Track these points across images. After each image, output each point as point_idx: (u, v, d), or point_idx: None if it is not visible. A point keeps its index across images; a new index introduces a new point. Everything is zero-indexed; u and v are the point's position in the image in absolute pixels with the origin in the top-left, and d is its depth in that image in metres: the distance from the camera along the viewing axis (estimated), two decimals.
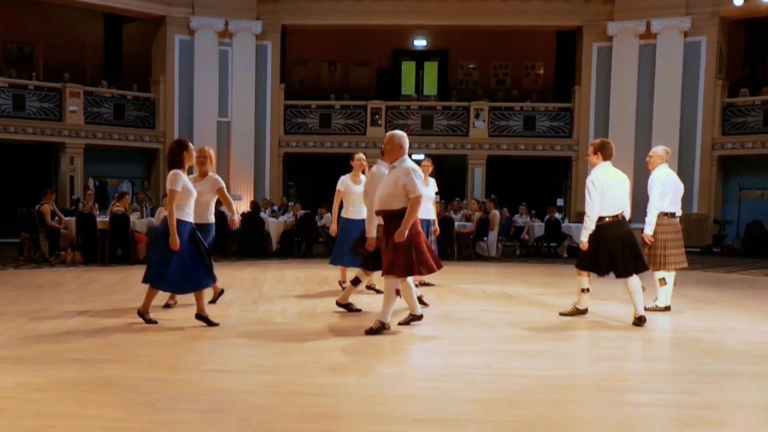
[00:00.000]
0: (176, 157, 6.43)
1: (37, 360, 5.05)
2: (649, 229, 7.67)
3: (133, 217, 13.08)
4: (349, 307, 7.40)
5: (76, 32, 20.60)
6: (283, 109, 20.44)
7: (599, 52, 19.54)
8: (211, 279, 6.60)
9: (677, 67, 18.54)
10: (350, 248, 7.68)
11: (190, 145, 6.61)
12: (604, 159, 6.96)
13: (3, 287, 9.10)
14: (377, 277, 7.26)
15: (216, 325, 6.39)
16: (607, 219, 6.86)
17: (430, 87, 23.19)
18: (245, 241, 14.33)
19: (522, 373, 4.94)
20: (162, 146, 19.43)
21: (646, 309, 7.83)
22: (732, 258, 16.53)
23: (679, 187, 7.93)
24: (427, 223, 9.31)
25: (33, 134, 17.95)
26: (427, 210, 9.38)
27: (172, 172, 6.36)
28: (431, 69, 23.45)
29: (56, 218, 12.81)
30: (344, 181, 8.58)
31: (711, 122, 18.62)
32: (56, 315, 6.92)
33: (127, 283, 9.66)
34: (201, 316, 6.47)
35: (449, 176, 19.08)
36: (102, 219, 12.75)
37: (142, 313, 6.47)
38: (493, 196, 17.17)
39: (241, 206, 17.70)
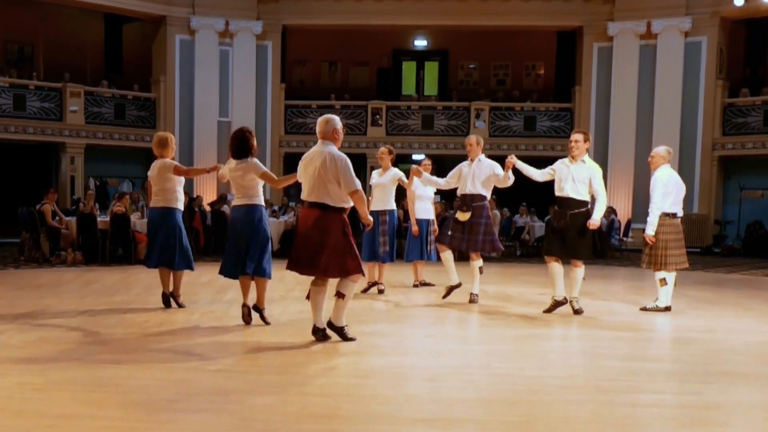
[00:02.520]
0: (249, 144, 6.45)
1: (38, 360, 5.04)
2: (650, 229, 7.67)
3: (134, 217, 13.08)
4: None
5: (77, 32, 20.59)
6: (283, 109, 20.45)
7: (600, 53, 19.54)
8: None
9: (678, 68, 18.54)
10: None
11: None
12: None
13: (3, 287, 9.10)
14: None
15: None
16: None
17: (431, 87, 23.20)
18: None
19: (522, 373, 4.93)
20: None
21: (646, 309, 7.87)
22: (732, 258, 16.53)
23: (681, 188, 7.92)
24: (426, 222, 9.34)
25: (33, 134, 17.96)
26: (426, 210, 9.40)
27: (255, 160, 6.47)
28: (432, 69, 23.46)
29: (57, 218, 12.82)
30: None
31: (711, 122, 18.62)
32: (57, 315, 6.92)
33: (127, 283, 9.66)
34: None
35: None
36: (102, 219, 12.76)
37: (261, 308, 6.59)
38: (493, 196, 17.15)
39: None
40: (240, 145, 6.45)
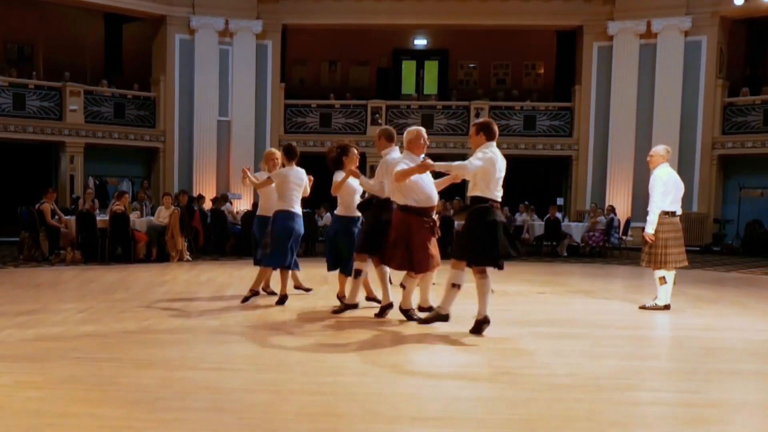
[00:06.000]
0: (338, 158, 7.32)
1: (36, 358, 5.04)
2: (650, 228, 7.68)
3: (133, 216, 13.09)
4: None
5: (77, 32, 20.58)
6: (283, 109, 20.44)
7: (600, 52, 19.54)
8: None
9: (677, 67, 18.54)
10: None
11: (353, 150, 7.37)
12: (488, 140, 6.34)
13: (3, 286, 9.09)
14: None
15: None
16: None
17: (431, 86, 23.19)
18: (245, 240, 14.28)
19: (522, 371, 4.93)
20: (162, 145, 19.45)
21: (646, 307, 7.87)
22: (732, 257, 16.53)
23: (680, 187, 7.94)
24: None
25: (33, 133, 17.95)
26: None
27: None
28: (431, 68, 23.45)
29: (56, 217, 12.82)
30: None
31: (711, 121, 18.63)
32: (56, 313, 6.92)
33: (126, 282, 9.66)
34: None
35: None
36: (102, 218, 12.75)
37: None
38: None
39: (241, 205, 17.70)
40: (334, 160, 7.35)
